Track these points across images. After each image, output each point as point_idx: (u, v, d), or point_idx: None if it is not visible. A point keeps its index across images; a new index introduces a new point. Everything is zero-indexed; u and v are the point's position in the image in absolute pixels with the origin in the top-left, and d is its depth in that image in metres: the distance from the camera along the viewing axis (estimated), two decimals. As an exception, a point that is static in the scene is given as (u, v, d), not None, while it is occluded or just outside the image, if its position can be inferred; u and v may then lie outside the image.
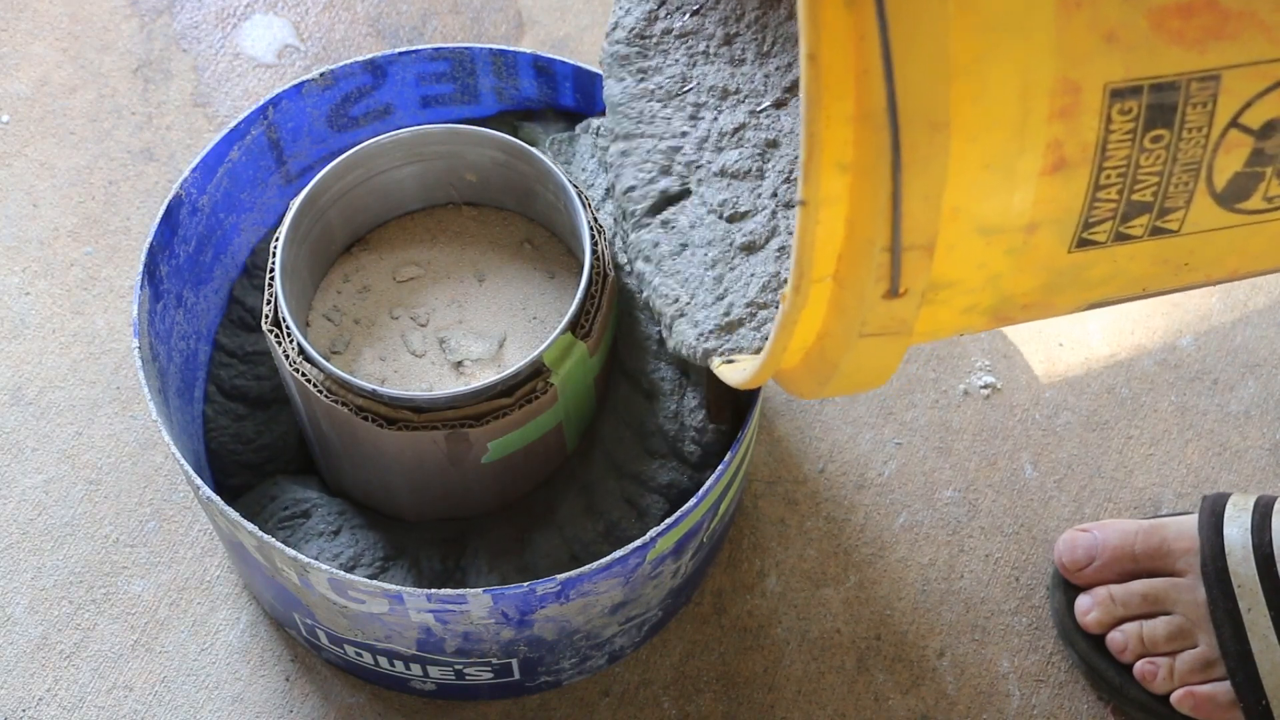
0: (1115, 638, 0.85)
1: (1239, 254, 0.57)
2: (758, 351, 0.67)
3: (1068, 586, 0.87)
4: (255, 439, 0.86)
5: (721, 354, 0.68)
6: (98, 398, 0.94)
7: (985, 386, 0.95)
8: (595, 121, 0.85)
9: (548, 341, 0.76)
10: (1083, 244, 0.55)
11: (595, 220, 0.80)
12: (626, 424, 0.82)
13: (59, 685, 0.87)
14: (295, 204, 0.80)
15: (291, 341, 0.78)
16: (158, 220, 0.82)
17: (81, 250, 0.99)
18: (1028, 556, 0.90)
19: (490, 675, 0.82)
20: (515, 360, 0.82)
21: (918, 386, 0.95)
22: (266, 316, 0.78)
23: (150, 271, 0.82)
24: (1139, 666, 0.84)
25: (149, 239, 0.82)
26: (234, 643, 0.88)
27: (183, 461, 0.77)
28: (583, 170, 0.85)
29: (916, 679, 0.87)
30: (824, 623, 0.89)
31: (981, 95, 0.50)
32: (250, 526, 0.75)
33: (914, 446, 0.94)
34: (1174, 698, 0.83)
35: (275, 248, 0.79)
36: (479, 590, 0.74)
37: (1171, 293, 0.59)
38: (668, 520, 0.76)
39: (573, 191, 0.80)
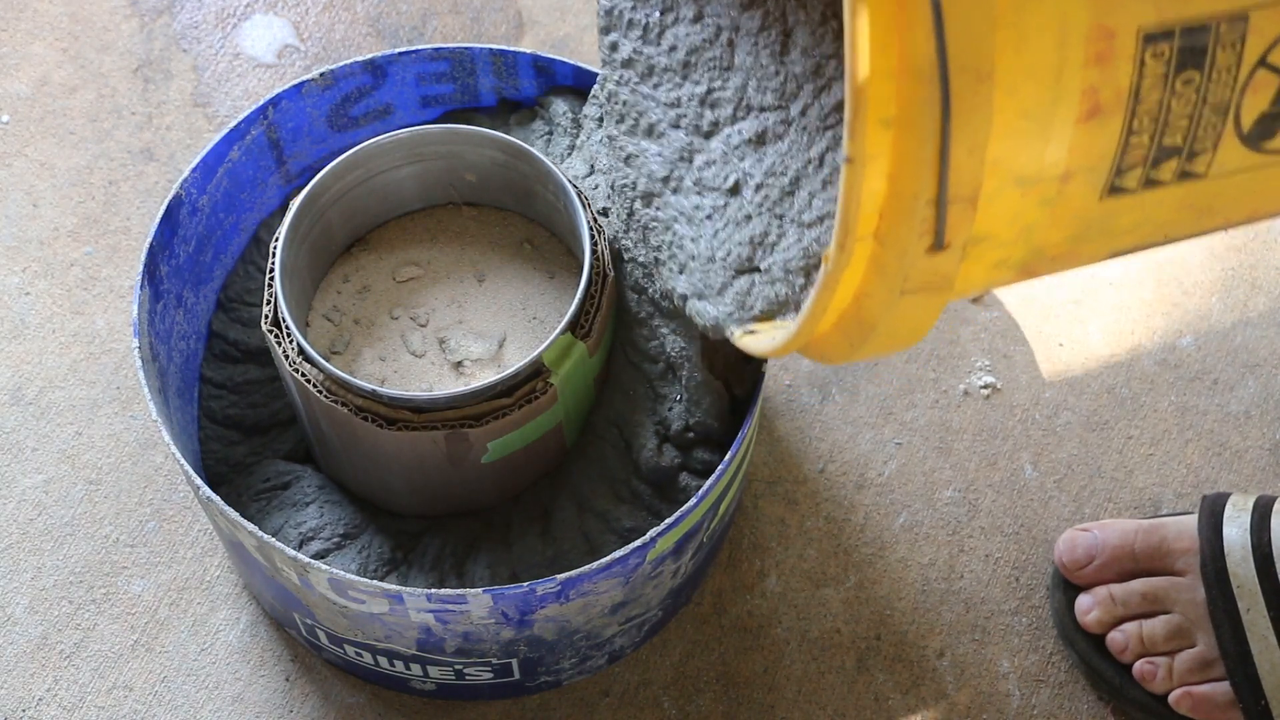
0: (1115, 638, 0.85)
1: (1259, 195, 0.58)
2: (769, 317, 0.66)
3: (1067, 586, 0.87)
4: (251, 463, 0.86)
5: (742, 324, 0.67)
6: (98, 398, 0.94)
7: (985, 386, 0.95)
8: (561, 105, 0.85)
9: (548, 342, 0.76)
10: (1114, 191, 0.55)
11: (595, 220, 0.80)
12: (617, 427, 0.82)
13: (59, 685, 0.87)
14: (295, 204, 0.80)
15: (291, 341, 0.78)
16: (158, 220, 0.82)
17: (81, 250, 0.99)
18: (1028, 556, 0.90)
19: (490, 675, 0.82)
20: (515, 360, 0.82)
21: (918, 386, 0.95)
22: (266, 317, 0.78)
23: (150, 271, 0.82)
24: (1138, 666, 0.84)
25: (149, 239, 0.82)
26: (234, 643, 0.88)
27: (183, 461, 0.77)
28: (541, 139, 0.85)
29: (916, 679, 0.87)
30: (824, 623, 0.89)
31: (1022, 45, 0.51)
32: (250, 527, 0.75)
33: (914, 446, 0.94)
34: (1172, 698, 0.83)
35: (275, 248, 0.79)
36: (479, 590, 0.74)
37: (1190, 238, 0.60)
38: (668, 520, 0.76)
39: (573, 191, 0.80)
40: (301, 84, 0.88)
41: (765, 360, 0.81)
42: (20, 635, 0.88)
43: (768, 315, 0.67)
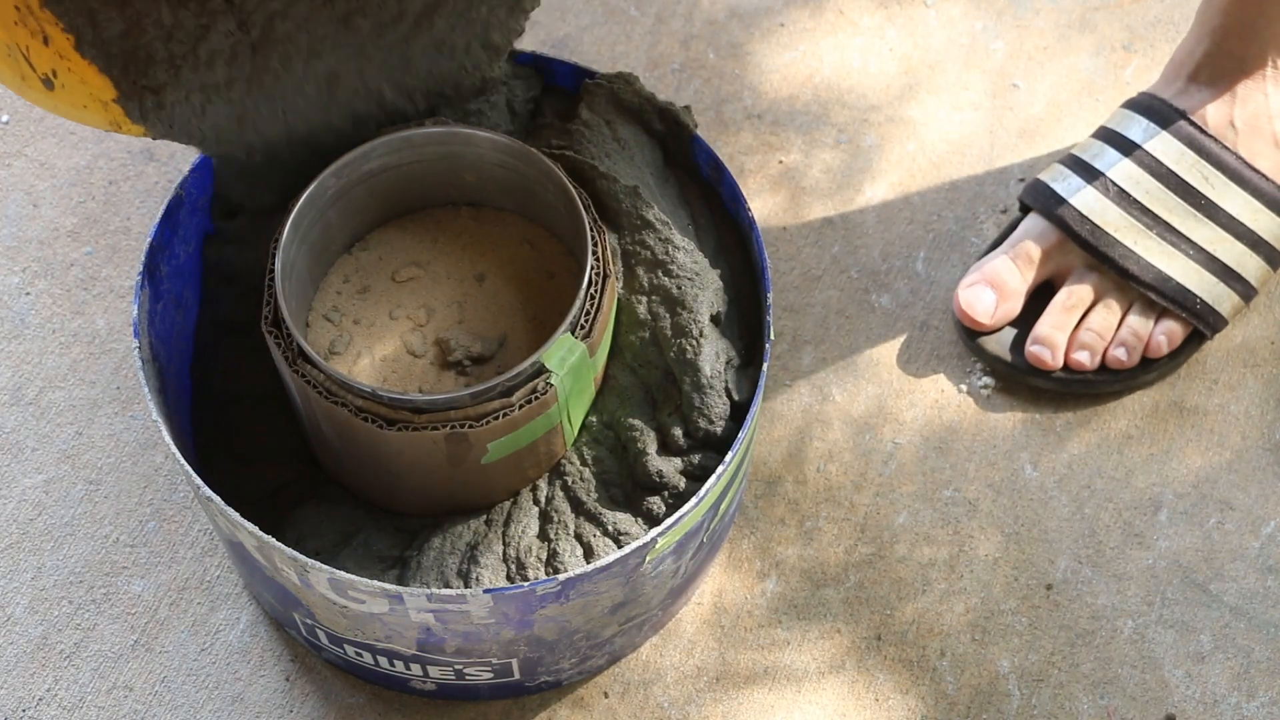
0: (1079, 358, 0.92)
1: None
2: None
3: (974, 334, 0.94)
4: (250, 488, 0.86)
5: None
6: (98, 398, 0.94)
7: (985, 386, 0.95)
8: None
9: (548, 343, 0.76)
10: None
11: (595, 221, 0.80)
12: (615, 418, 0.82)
13: (59, 685, 0.87)
14: (295, 204, 0.80)
15: (291, 342, 0.78)
16: (158, 220, 0.82)
17: (81, 250, 0.99)
18: (1028, 556, 0.91)
19: (490, 675, 0.82)
20: (515, 361, 0.82)
21: (918, 386, 0.95)
22: (266, 317, 0.78)
23: (150, 271, 0.82)
24: (1111, 359, 0.92)
25: (149, 239, 0.82)
26: (234, 643, 0.88)
27: (183, 461, 0.77)
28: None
29: (916, 679, 0.87)
30: (824, 623, 0.89)
31: None
32: (250, 527, 0.75)
33: (914, 446, 0.94)
34: (1151, 354, 0.92)
35: (275, 248, 0.79)
36: (479, 590, 0.74)
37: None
38: (668, 520, 0.76)
39: (573, 192, 0.80)
40: (301, 84, 0.88)
41: (765, 361, 0.81)
42: (20, 635, 0.88)
43: None
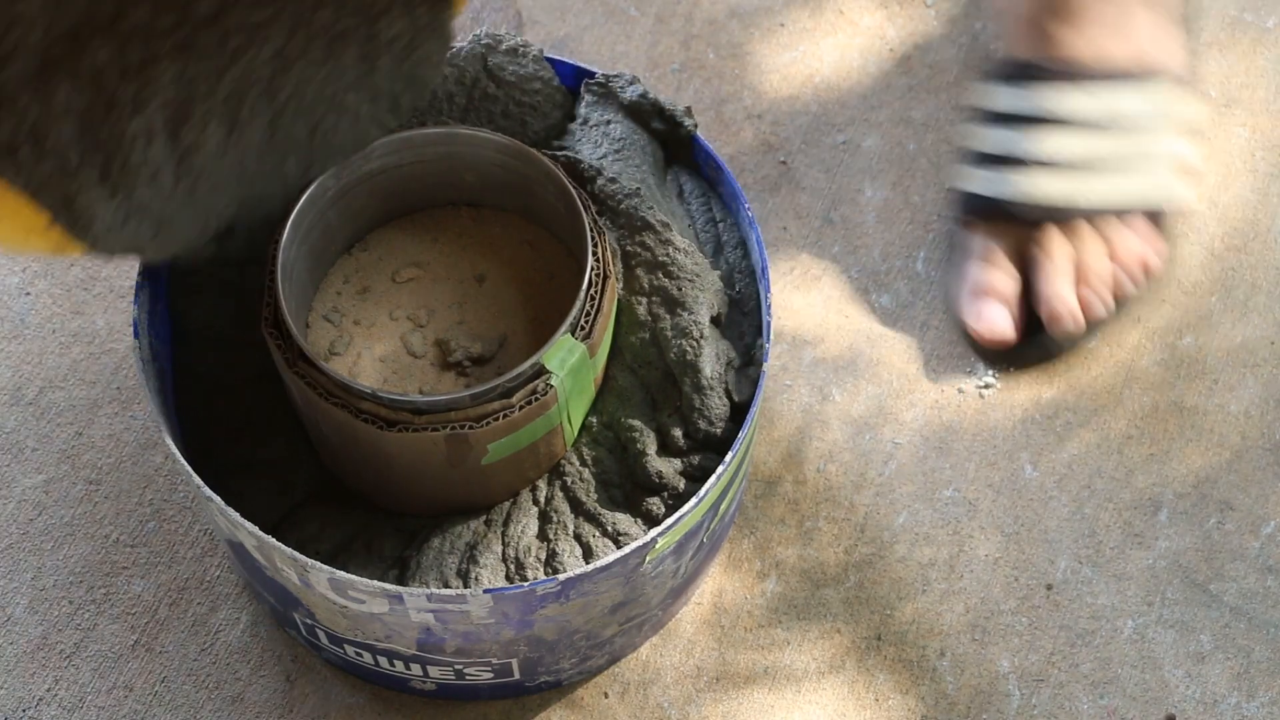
0: (1095, 308, 0.94)
1: None
2: None
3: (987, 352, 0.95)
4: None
5: None
6: (98, 398, 0.94)
7: (985, 386, 0.95)
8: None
9: (549, 344, 0.76)
10: None
11: (595, 221, 0.80)
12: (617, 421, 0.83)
13: (59, 685, 0.87)
14: (295, 205, 0.80)
15: (290, 343, 0.78)
16: (158, 221, 0.82)
17: (81, 250, 0.99)
18: (1028, 556, 0.91)
19: (490, 675, 0.82)
20: (515, 362, 0.82)
21: (917, 386, 0.95)
22: (266, 318, 0.78)
23: (150, 271, 0.82)
24: (1120, 293, 0.94)
25: (149, 239, 0.82)
26: (234, 643, 0.88)
27: (183, 461, 0.77)
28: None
29: (916, 679, 0.87)
30: (824, 623, 0.89)
31: None
32: (250, 527, 0.75)
33: (914, 446, 0.94)
34: (1150, 270, 0.94)
35: (275, 249, 0.79)
36: (479, 590, 0.74)
37: None
38: (668, 521, 0.77)
39: (573, 193, 0.80)
40: (301, 84, 0.88)
41: (764, 361, 0.81)
42: (20, 635, 0.88)
43: None
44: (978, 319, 0.94)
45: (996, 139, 0.95)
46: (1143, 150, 0.94)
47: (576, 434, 0.83)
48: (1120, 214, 0.94)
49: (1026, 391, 0.95)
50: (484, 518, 0.82)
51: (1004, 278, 0.94)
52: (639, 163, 0.86)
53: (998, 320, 0.93)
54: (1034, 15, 0.95)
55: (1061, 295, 0.93)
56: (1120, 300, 0.95)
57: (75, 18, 0.61)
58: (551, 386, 0.77)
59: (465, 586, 0.80)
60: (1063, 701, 0.87)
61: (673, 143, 0.89)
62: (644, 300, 0.83)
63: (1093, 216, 0.93)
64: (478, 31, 0.88)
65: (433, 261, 0.85)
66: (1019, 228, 0.94)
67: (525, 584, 0.75)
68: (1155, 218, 0.95)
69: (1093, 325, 0.94)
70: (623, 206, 0.84)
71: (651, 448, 0.81)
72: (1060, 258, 0.93)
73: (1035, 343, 0.94)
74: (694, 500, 0.77)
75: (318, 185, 0.81)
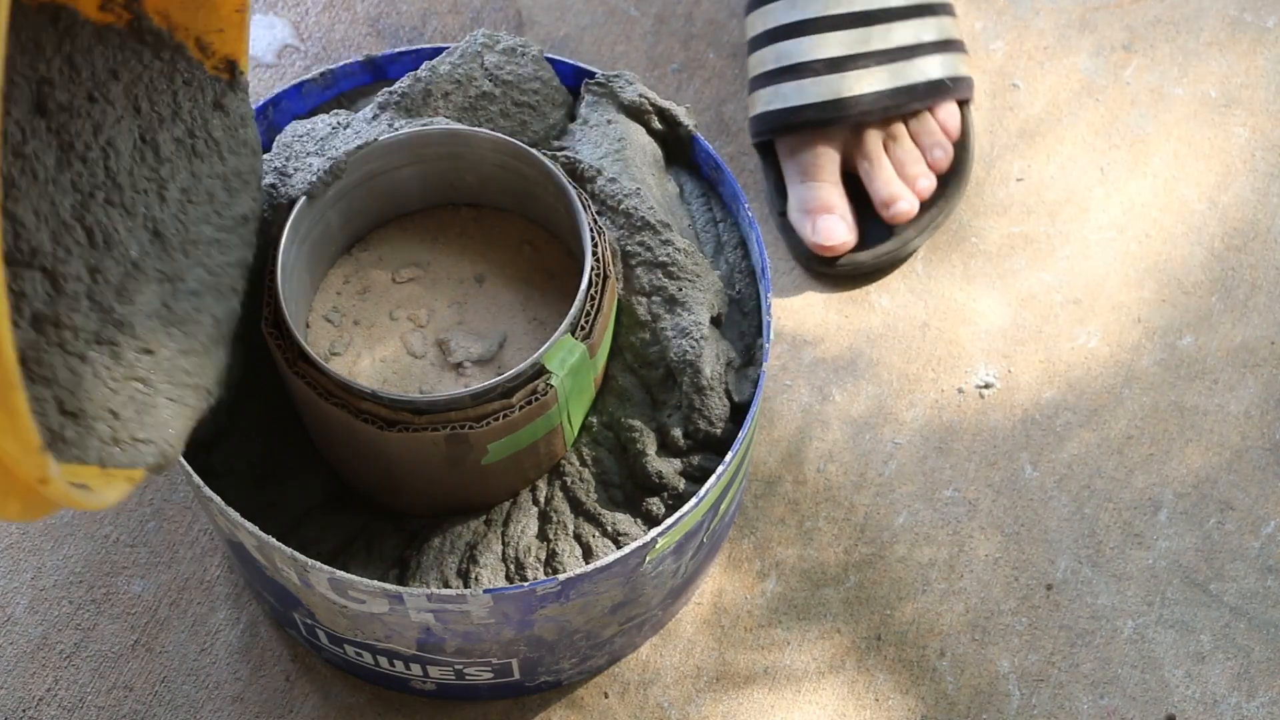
0: (922, 187, 0.98)
1: None
2: None
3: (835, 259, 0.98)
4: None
5: None
6: (98, 398, 0.94)
7: (985, 386, 0.95)
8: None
9: (548, 343, 0.76)
10: None
11: (595, 222, 0.80)
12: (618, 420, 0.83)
13: (59, 685, 0.87)
14: (295, 205, 0.80)
15: (291, 343, 0.78)
16: (158, 221, 0.82)
17: (81, 250, 0.99)
18: (1028, 556, 0.91)
19: (490, 675, 0.82)
20: (515, 362, 0.82)
21: (918, 386, 0.95)
22: (266, 318, 0.78)
23: (150, 272, 0.82)
24: (935, 166, 0.98)
25: (149, 239, 0.82)
26: (234, 643, 0.88)
27: (183, 461, 0.77)
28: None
29: (916, 679, 0.87)
30: (824, 623, 0.89)
31: None
32: (250, 527, 0.75)
33: (914, 446, 0.94)
34: (951, 137, 0.99)
35: (275, 249, 0.79)
36: (480, 590, 0.74)
37: None
38: (667, 521, 0.77)
39: (573, 193, 0.80)
40: (301, 84, 0.88)
41: (764, 361, 0.81)
42: (20, 635, 0.88)
43: None
44: (815, 233, 0.97)
45: (775, 54, 0.98)
46: (924, 40, 0.98)
47: (576, 434, 0.83)
48: (910, 97, 0.97)
49: (1026, 391, 0.95)
50: (484, 518, 0.82)
51: (829, 188, 0.97)
52: (639, 163, 0.86)
53: (835, 229, 0.96)
54: None
55: (889, 183, 0.97)
56: (939, 174, 0.99)
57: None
58: (551, 386, 0.77)
59: (465, 586, 0.80)
60: (1063, 701, 0.87)
61: (673, 143, 0.89)
62: (644, 300, 0.83)
63: (886, 108, 0.96)
64: (476, 31, 0.88)
65: (433, 261, 0.85)
66: (823, 137, 0.97)
67: (525, 584, 0.75)
68: (940, 90, 0.98)
69: (925, 205, 0.98)
70: (623, 206, 0.84)
71: (651, 448, 0.81)
72: (874, 153, 0.97)
73: (875, 238, 0.98)
74: (694, 500, 0.77)
75: (318, 186, 0.81)
